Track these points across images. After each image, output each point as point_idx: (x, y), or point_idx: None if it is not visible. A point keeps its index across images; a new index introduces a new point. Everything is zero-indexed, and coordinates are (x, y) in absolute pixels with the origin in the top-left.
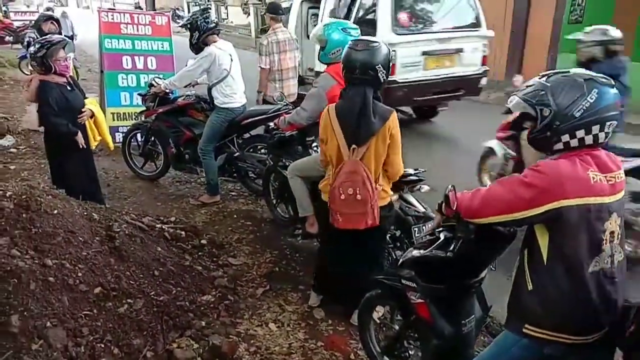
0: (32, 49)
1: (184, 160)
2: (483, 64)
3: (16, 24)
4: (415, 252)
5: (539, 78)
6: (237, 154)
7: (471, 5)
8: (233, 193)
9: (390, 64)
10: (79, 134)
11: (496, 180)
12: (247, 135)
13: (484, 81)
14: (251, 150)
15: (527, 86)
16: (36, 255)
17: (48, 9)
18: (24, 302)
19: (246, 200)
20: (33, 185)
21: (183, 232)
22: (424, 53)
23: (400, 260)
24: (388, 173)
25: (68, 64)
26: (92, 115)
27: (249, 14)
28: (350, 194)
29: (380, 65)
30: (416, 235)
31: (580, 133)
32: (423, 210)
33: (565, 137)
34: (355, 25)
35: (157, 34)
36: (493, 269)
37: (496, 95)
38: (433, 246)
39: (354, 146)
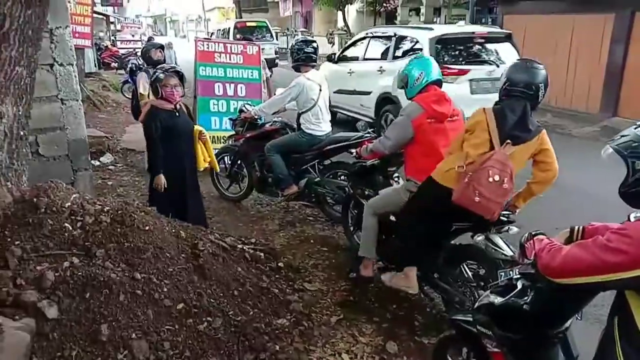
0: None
1: (267, 184)
2: (276, 53)
3: (121, 51)
4: (492, 298)
5: (635, 128)
6: (317, 179)
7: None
8: (310, 218)
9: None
10: (161, 177)
11: (577, 243)
12: (328, 162)
13: (277, 61)
14: (331, 176)
15: (622, 135)
16: (127, 268)
17: (150, 39)
18: (113, 312)
19: (323, 226)
20: (128, 201)
21: (262, 254)
22: None
23: (476, 305)
24: (544, 176)
25: (175, 92)
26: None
27: (333, 44)
28: (496, 181)
29: (542, 85)
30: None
31: None
32: (511, 253)
33: None
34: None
35: (247, 63)
36: (578, 318)
37: (590, 129)
38: (510, 295)
39: (508, 141)
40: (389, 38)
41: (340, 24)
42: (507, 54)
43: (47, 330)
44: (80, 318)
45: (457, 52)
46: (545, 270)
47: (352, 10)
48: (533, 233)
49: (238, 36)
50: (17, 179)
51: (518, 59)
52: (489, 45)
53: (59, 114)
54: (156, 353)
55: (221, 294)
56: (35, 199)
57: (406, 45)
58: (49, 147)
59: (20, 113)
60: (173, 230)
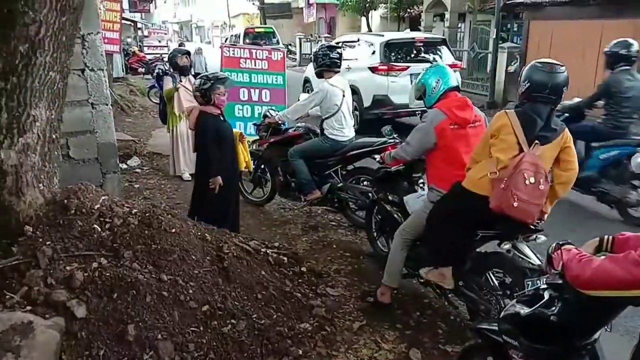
0: (198, 81)
1: (290, 188)
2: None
3: (148, 57)
4: (518, 308)
5: None
6: (340, 184)
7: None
8: (333, 223)
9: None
10: (219, 178)
11: (608, 256)
12: (351, 167)
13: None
14: (354, 182)
15: None
16: (154, 270)
17: (181, 44)
18: (140, 313)
19: (345, 232)
20: (155, 204)
21: (285, 258)
22: None
23: (502, 314)
24: (566, 175)
25: (224, 99)
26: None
27: None
28: (532, 183)
29: (565, 87)
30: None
31: None
32: (538, 263)
33: None
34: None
35: (272, 69)
36: (608, 330)
37: None
38: (537, 305)
39: (536, 142)
40: (354, 42)
41: (364, 29)
42: (443, 54)
43: (75, 329)
44: (108, 318)
45: (401, 53)
46: (575, 281)
47: (375, 16)
48: (560, 243)
49: (247, 41)
50: (49, 181)
51: (536, 61)
52: (427, 48)
53: (89, 118)
54: (181, 354)
55: (245, 297)
56: (65, 201)
57: (365, 48)
58: (79, 150)
59: (52, 117)
60: (199, 233)
